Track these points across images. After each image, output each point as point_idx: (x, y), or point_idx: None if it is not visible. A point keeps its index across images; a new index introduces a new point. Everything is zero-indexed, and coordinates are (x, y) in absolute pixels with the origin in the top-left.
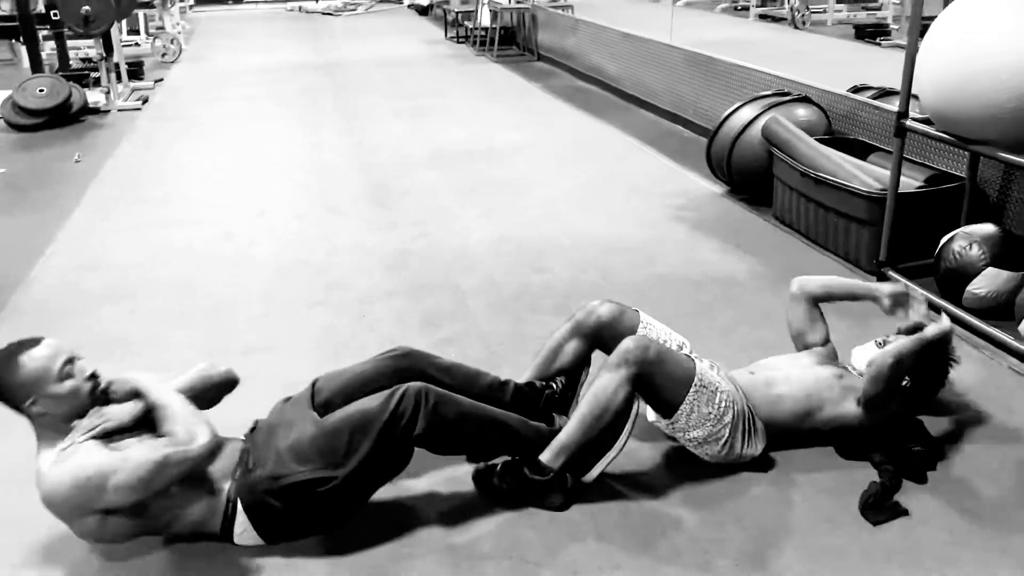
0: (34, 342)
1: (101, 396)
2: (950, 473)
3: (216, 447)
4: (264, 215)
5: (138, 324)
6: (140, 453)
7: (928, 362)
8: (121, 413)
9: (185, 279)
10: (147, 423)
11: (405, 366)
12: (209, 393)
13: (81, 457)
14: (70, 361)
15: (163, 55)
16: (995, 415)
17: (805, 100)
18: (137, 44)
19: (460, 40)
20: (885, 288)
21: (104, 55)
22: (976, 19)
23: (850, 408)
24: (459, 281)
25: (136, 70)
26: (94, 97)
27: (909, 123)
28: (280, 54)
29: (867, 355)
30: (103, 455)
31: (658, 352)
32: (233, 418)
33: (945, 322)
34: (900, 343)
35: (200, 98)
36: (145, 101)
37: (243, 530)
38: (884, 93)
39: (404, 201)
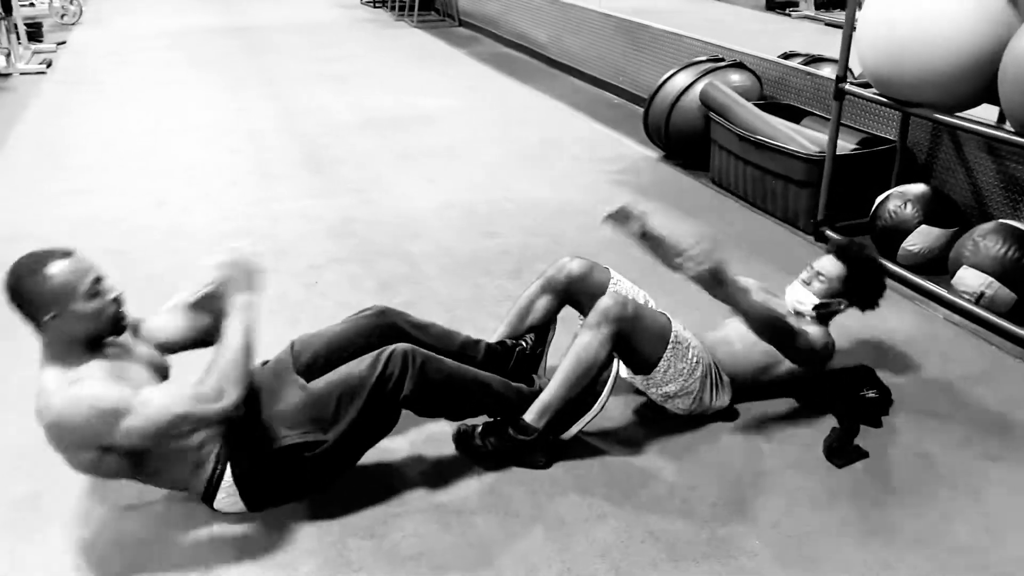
0: (65, 253)
1: (121, 323)
2: (902, 417)
3: (237, 409)
4: (196, 183)
5: None
6: (161, 401)
7: (858, 276)
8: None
9: (119, 250)
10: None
11: (383, 323)
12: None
13: (98, 387)
14: (98, 280)
15: (62, 16)
16: (936, 363)
17: (739, 66)
18: (33, 4)
19: (377, 5)
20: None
21: (2, 14)
22: None
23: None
24: (409, 247)
25: (35, 32)
26: None
27: (848, 87)
28: (189, 17)
29: (795, 294)
30: (121, 391)
31: (636, 309)
32: None
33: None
34: (741, 305)
35: (108, 62)
36: (49, 64)
37: (227, 495)
38: (813, 59)
39: (341, 168)
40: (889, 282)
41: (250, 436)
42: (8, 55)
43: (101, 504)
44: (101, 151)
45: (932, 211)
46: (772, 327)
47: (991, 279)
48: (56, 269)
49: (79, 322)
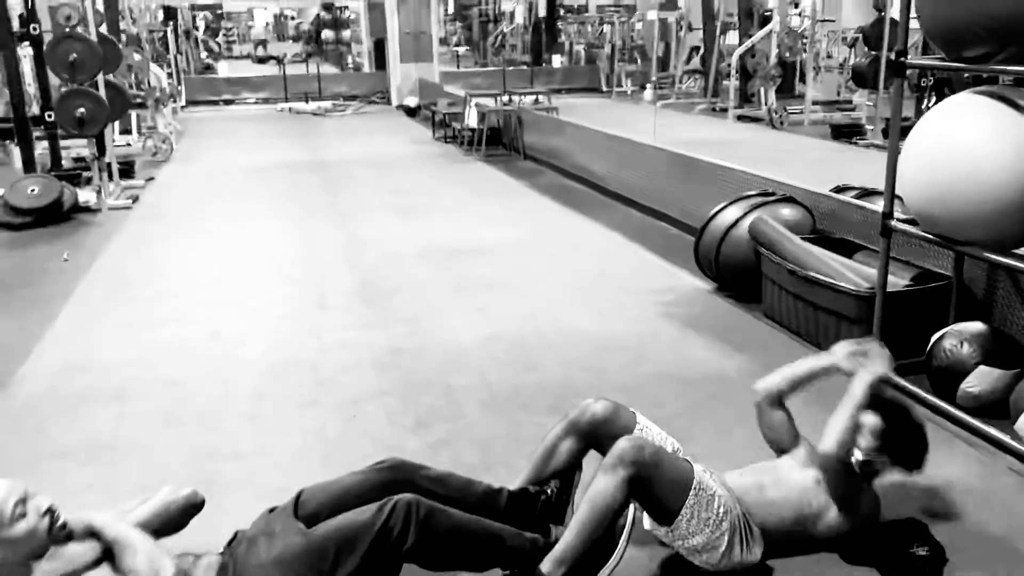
0: None
1: (60, 534)
2: (955, 575)
3: None
4: (254, 313)
5: (126, 427)
6: None
7: (895, 431)
8: (81, 555)
9: (174, 379)
10: (110, 558)
11: (395, 478)
12: (175, 518)
13: None
14: (22, 501)
15: (154, 154)
16: (997, 516)
17: (789, 200)
18: (129, 144)
19: (448, 140)
20: (840, 350)
21: (96, 155)
22: (957, 122)
23: (835, 514)
24: (451, 380)
25: (127, 169)
26: (85, 196)
27: (894, 223)
28: (270, 153)
29: None
30: None
31: (654, 453)
32: (221, 524)
33: (877, 362)
34: (835, 427)
35: (190, 197)
36: (136, 200)
37: None
38: (866, 193)
39: (395, 298)
40: (947, 426)
41: None
42: (99, 192)
43: None
44: (170, 283)
45: (991, 351)
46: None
47: None
48: None
49: (14, 547)
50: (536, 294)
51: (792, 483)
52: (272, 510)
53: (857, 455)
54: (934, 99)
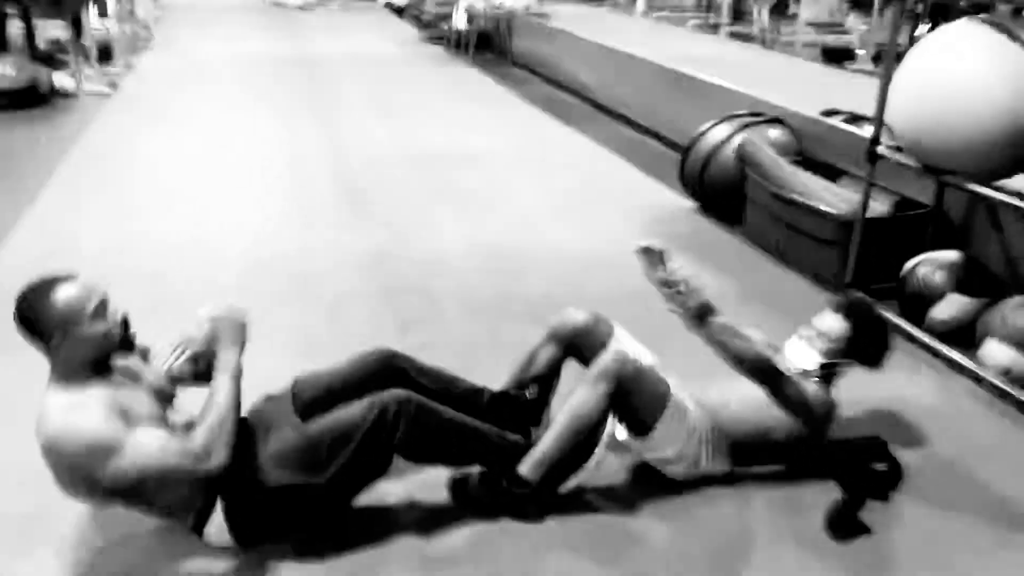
0: (69, 278)
1: (128, 343)
2: (912, 493)
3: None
4: (238, 208)
5: None
6: (151, 448)
7: (859, 334)
8: (144, 372)
9: (156, 271)
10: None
11: (385, 367)
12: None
13: (95, 421)
14: (103, 303)
15: (134, 40)
16: (955, 438)
17: (778, 122)
18: (107, 29)
19: (435, 41)
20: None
21: (74, 37)
22: (951, 53)
23: (792, 421)
24: (434, 285)
25: (105, 54)
26: (61, 80)
27: (881, 150)
28: (253, 45)
29: (797, 354)
30: (116, 429)
31: (636, 369)
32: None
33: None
34: (737, 357)
35: (171, 86)
36: (114, 86)
37: (216, 529)
38: (854, 118)
39: (379, 201)
40: (913, 350)
41: (242, 473)
42: (76, 76)
43: (95, 531)
44: (152, 173)
45: (963, 279)
46: (760, 370)
47: (1019, 354)
48: (62, 293)
49: (85, 344)
50: (520, 204)
51: (753, 396)
52: (270, 398)
53: (817, 359)
54: (929, 25)
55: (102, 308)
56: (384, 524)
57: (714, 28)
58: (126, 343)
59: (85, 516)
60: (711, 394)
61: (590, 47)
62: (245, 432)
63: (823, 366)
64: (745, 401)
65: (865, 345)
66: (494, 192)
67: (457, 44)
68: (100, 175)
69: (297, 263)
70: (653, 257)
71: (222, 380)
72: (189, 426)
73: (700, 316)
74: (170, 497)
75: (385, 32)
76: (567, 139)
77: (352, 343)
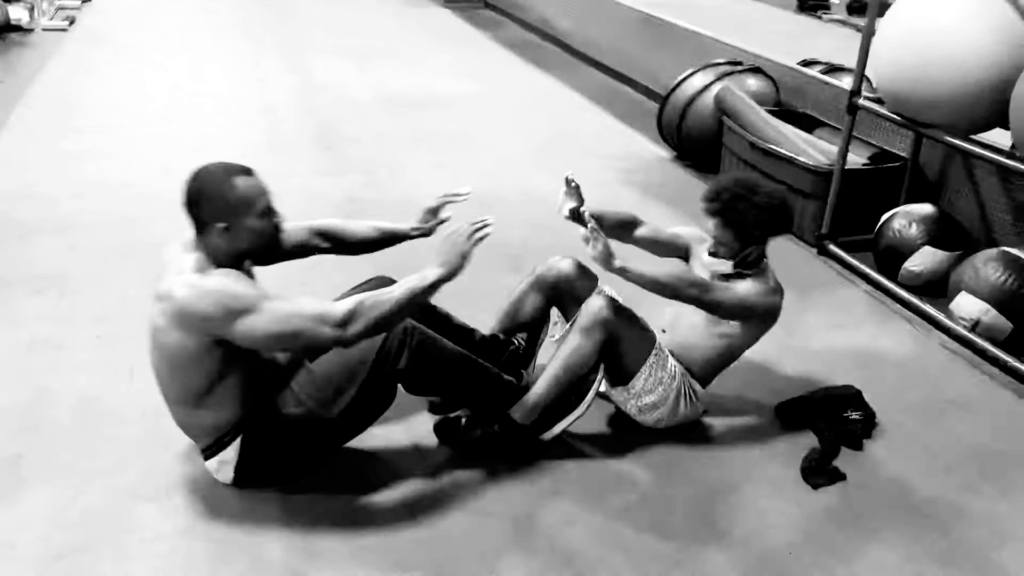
0: (247, 170)
1: (275, 249)
2: (884, 441)
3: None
4: (205, 151)
5: (77, 259)
6: (289, 308)
7: (742, 220)
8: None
9: (125, 216)
10: None
11: None
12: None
13: (233, 284)
14: (271, 206)
15: None
16: (925, 388)
17: (757, 71)
18: None
19: None
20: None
21: None
22: (937, 3)
23: (739, 325)
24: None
25: None
26: (16, 14)
27: (861, 102)
28: None
29: (710, 265)
30: (255, 291)
31: (629, 315)
32: None
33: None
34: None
35: (131, 22)
36: (72, 21)
37: (224, 462)
38: (832, 69)
39: (352, 146)
40: (887, 302)
41: (265, 406)
42: (32, 10)
43: (77, 473)
44: (115, 114)
45: (937, 233)
46: (688, 285)
47: (989, 307)
48: (241, 183)
49: (244, 237)
50: (496, 151)
51: (698, 322)
52: None
53: (727, 265)
54: None
55: (270, 208)
56: (371, 470)
57: None
58: (273, 247)
59: (67, 461)
60: (669, 334)
61: None
62: (273, 368)
63: (737, 264)
64: (695, 329)
65: (748, 226)
66: (469, 138)
67: None
68: (61, 116)
69: None
70: (571, 190)
71: (411, 281)
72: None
73: (619, 272)
74: (228, 406)
75: None
76: (542, 85)
77: (330, 290)
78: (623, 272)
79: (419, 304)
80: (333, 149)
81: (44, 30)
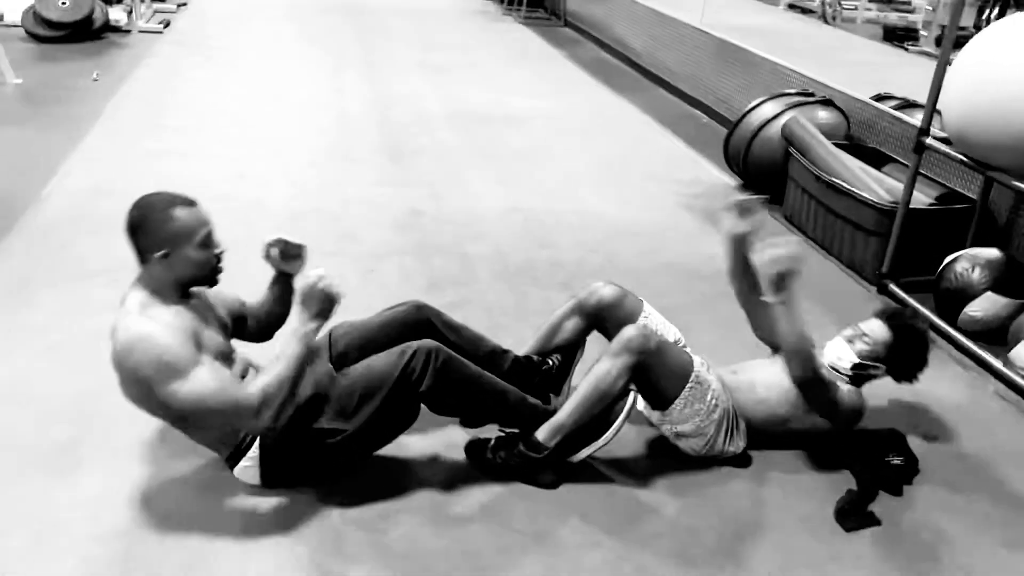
0: (189, 201)
1: (217, 277)
2: (925, 489)
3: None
4: (280, 157)
5: None
6: (211, 385)
7: (901, 347)
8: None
9: None
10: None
11: (417, 319)
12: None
13: (173, 339)
14: (211, 235)
15: None
16: (976, 437)
17: (828, 103)
18: None
19: None
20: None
21: None
22: (1012, 45)
23: (817, 417)
24: (467, 247)
25: None
26: (116, 15)
27: (929, 141)
28: None
29: (836, 350)
30: (190, 354)
31: (659, 344)
32: (251, 353)
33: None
34: (785, 352)
35: (223, 28)
36: (167, 25)
37: (248, 466)
38: (907, 104)
39: (419, 159)
40: (944, 346)
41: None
42: (130, 12)
43: (136, 460)
44: (198, 116)
45: (1001, 278)
46: (798, 353)
47: None
48: (181, 213)
49: (184, 267)
50: (560, 170)
51: (781, 384)
52: None
53: (852, 358)
54: (996, 10)
55: (209, 239)
56: (403, 478)
57: None
58: (216, 275)
59: (124, 446)
60: (738, 375)
61: (641, 10)
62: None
63: (855, 366)
64: (770, 387)
65: (903, 356)
66: (534, 156)
67: (509, 1)
68: (150, 115)
69: (337, 216)
70: (745, 209)
71: (295, 347)
72: (245, 372)
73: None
74: (214, 433)
75: None
76: (612, 105)
77: (384, 299)
78: (783, 289)
79: (310, 360)
80: (400, 161)
81: (140, 32)
